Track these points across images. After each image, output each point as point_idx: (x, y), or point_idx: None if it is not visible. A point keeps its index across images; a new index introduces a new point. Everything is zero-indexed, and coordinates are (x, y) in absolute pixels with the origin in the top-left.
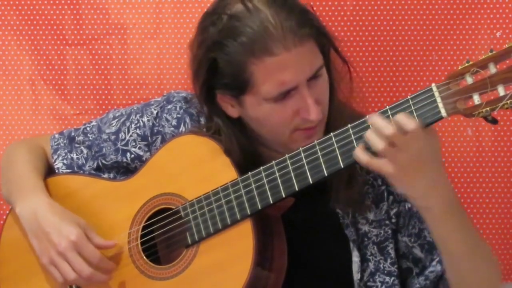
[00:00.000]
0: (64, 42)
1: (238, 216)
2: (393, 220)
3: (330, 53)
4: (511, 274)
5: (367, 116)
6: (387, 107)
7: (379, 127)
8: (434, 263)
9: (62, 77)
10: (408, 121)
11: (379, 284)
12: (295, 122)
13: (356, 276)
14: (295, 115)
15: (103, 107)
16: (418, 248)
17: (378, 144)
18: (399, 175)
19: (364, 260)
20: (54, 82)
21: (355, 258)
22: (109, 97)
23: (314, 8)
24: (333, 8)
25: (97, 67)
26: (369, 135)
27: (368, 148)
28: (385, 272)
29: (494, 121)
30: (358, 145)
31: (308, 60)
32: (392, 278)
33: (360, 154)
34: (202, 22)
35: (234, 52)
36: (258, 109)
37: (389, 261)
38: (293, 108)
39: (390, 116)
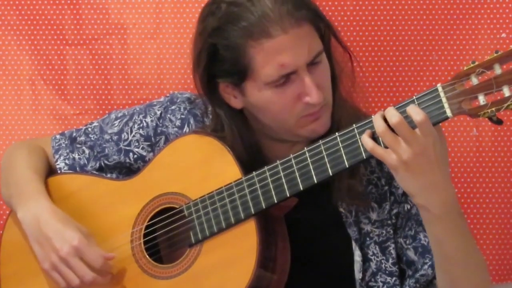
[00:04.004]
0: (64, 42)
1: (242, 216)
2: (393, 221)
3: (331, 42)
4: (511, 274)
5: (372, 116)
6: (393, 107)
7: (387, 114)
8: (426, 266)
9: (62, 77)
10: (416, 112)
11: (380, 284)
12: (298, 108)
13: (358, 275)
14: (296, 100)
15: (103, 107)
16: (412, 250)
17: (380, 126)
18: (401, 169)
19: (366, 260)
20: (54, 82)
21: (357, 257)
22: (109, 97)
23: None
24: (333, 8)
25: (97, 67)
26: (376, 118)
27: (377, 138)
28: (387, 272)
29: (499, 122)
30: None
31: (307, 43)
32: (394, 278)
33: (366, 139)
34: (202, 13)
35: (233, 36)
36: (260, 96)
37: (390, 261)
38: (294, 93)
39: None
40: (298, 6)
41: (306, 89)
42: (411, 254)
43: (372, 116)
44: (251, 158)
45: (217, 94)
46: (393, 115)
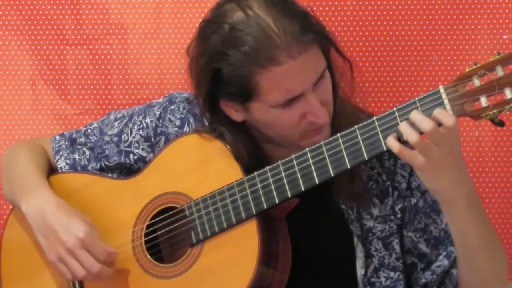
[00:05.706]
0: (64, 42)
1: (243, 216)
2: (398, 216)
3: (330, 51)
4: (511, 274)
5: (377, 114)
6: (395, 108)
7: (417, 121)
8: (441, 257)
9: (62, 77)
10: (447, 117)
11: (383, 279)
12: (302, 125)
13: (360, 271)
14: (302, 118)
15: (103, 107)
16: (424, 243)
17: (413, 136)
18: (429, 169)
19: (368, 256)
20: (54, 82)
21: (360, 253)
22: (109, 97)
23: (314, 8)
24: (333, 8)
25: (97, 67)
26: (404, 127)
27: (399, 138)
28: (390, 267)
29: (501, 123)
30: (384, 137)
31: (313, 66)
32: (397, 273)
33: (392, 142)
34: (202, 31)
35: (239, 62)
36: (265, 115)
37: (394, 256)
38: (299, 112)
39: (397, 117)
40: (305, 30)
41: (312, 109)
42: (422, 247)
43: (374, 118)
44: (255, 165)
45: (218, 109)
46: (425, 123)
